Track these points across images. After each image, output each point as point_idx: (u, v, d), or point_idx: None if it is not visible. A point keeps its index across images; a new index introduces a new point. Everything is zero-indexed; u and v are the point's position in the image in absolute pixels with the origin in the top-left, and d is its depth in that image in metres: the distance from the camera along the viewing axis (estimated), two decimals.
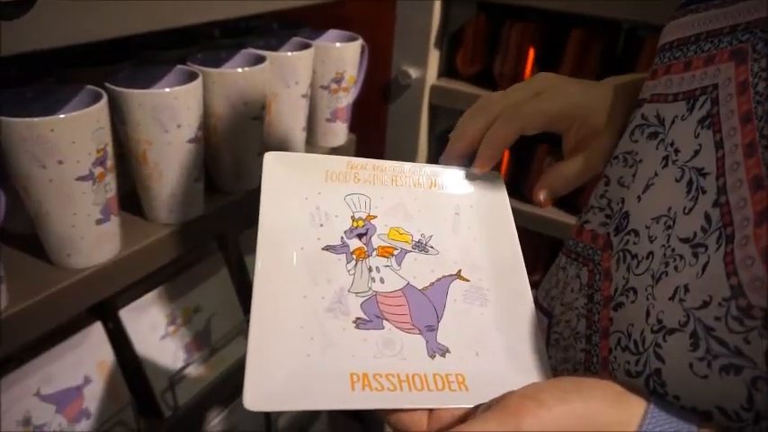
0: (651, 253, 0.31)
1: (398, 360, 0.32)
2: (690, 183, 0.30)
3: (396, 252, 0.36)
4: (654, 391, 0.29)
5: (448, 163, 0.41)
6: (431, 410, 0.30)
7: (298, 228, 0.36)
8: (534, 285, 1.16)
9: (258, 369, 0.29)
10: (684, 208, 0.29)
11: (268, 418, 0.94)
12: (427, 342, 0.33)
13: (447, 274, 0.36)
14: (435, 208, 0.39)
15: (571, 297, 0.38)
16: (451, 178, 0.40)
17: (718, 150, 0.28)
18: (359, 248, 0.36)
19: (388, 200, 0.39)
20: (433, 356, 0.33)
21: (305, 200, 0.37)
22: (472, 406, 0.30)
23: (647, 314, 0.30)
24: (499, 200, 0.40)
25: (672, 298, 0.29)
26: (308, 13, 0.74)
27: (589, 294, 0.36)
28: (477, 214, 0.39)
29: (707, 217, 0.28)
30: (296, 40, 0.71)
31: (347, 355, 0.32)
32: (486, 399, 0.29)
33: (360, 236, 0.37)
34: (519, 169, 0.94)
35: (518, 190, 0.94)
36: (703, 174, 0.29)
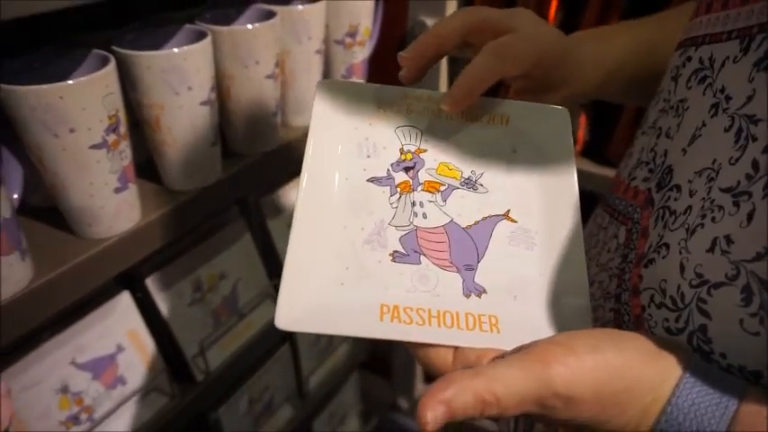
0: (689, 207, 0.29)
1: (431, 296, 0.31)
2: (739, 131, 0.27)
3: (442, 188, 0.35)
4: (698, 348, 0.27)
5: (408, 63, 0.37)
6: (457, 348, 0.29)
7: (344, 158, 0.35)
8: None
9: (291, 291, 0.29)
10: (731, 158, 0.27)
11: (299, 379, 0.95)
12: (464, 281, 0.32)
13: (494, 213, 0.35)
14: (491, 144, 0.37)
15: (606, 257, 0.36)
16: (512, 112, 0.37)
17: None
18: (404, 182, 0.35)
19: (441, 133, 0.37)
20: (468, 296, 0.32)
21: (354, 130, 0.36)
22: (501, 348, 0.29)
23: (682, 268, 0.28)
24: (562, 138, 0.36)
25: (710, 250, 0.26)
26: None
27: (624, 254, 0.34)
28: (535, 153, 0.37)
29: (754, 164, 0.25)
30: None
31: (380, 286, 0.31)
32: (517, 344, 0.28)
33: (407, 169, 0.35)
34: None
35: None
36: (755, 121, 0.26)
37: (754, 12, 0.28)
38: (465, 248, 0.33)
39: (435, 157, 0.36)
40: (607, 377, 0.25)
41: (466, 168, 0.36)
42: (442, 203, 0.35)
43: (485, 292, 0.32)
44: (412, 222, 0.34)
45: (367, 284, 0.32)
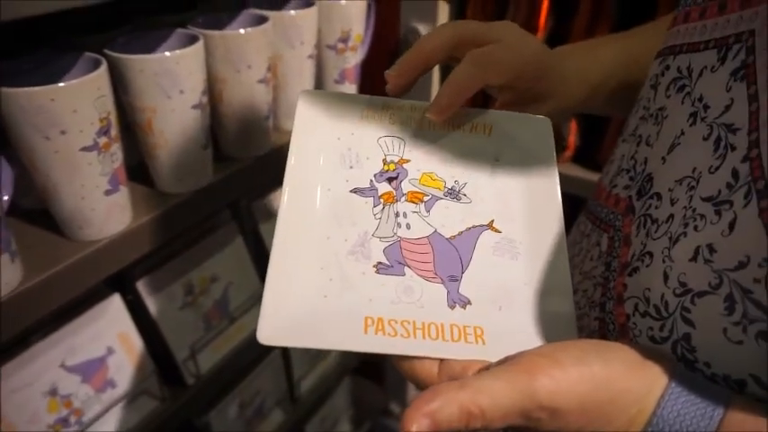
0: (671, 216, 0.29)
1: (416, 308, 0.31)
2: (718, 140, 0.27)
3: (426, 198, 0.35)
4: (682, 357, 0.27)
5: (395, 81, 0.37)
6: (442, 360, 0.29)
7: (327, 168, 0.35)
8: None
9: (274, 304, 0.29)
10: (710, 167, 0.27)
11: (291, 383, 0.95)
12: (448, 292, 0.32)
13: (478, 223, 0.35)
14: (473, 153, 0.37)
15: (590, 266, 0.36)
16: (495, 121, 0.37)
17: (752, 104, 0.25)
18: (388, 192, 0.35)
19: (424, 143, 0.37)
20: (452, 307, 0.32)
21: (337, 140, 0.36)
22: (487, 360, 0.29)
23: (666, 277, 0.28)
24: (544, 147, 0.37)
25: (693, 259, 0.27)
26: None
27: (607, 262, 0.34)
28: (518, 161, 0.37)
29: (734, 173, 0.25)
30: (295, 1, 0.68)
31: (364, 298, 0.31)
32: (502, 355, 0.28)
33: (390, 180, 0.36)
34: None
35: None
36: (733, 130, 0.26)
37: (730, 22, 0.28)
38: (449, 259, 0.33)
39: (419, 168, 0.36)
40: (593, 389, 0.25)
41: (449, 178, 0.36)
42: (426, 214, 0.35)
43: (470, 303, 0.32)
44: (396, 233, 0.34)
45: (351, 296, 0.31)
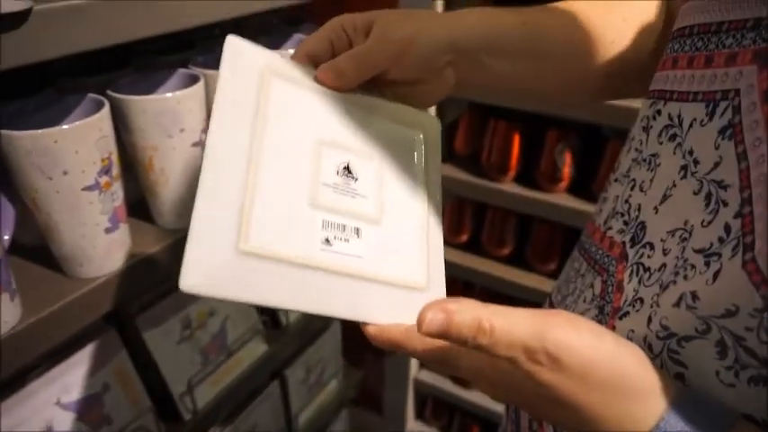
0: (664, 265, 0.30)
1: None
2: (708, 196, 0.28)
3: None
4: None
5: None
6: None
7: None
8: (548, 275, 1.15)
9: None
10: (703, 221, 0.28)
11: (288, 417, 0.94)
12: None
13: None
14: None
15: (583, 307, 0.37)
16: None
17: (741, 162, 0.26)
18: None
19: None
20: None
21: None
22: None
23: (649, 320, 0.29)
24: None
25: (677, 305, 0.27)
26: (309, 8, 0.73)
27: (600, 306, 0.35)
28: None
29: (726, 228, 0.26)
30: (298, 36, 0.70)
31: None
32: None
33: None
34: (529, 156, 0.93)
35: (529, 178, 0.93)
36: (724, 186, 0.27)
37: (717, 77, 0.29)
38: None
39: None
40: (598, 361, 0.26)
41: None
42: None
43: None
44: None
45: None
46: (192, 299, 0.74)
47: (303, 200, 0.32)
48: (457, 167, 0.98)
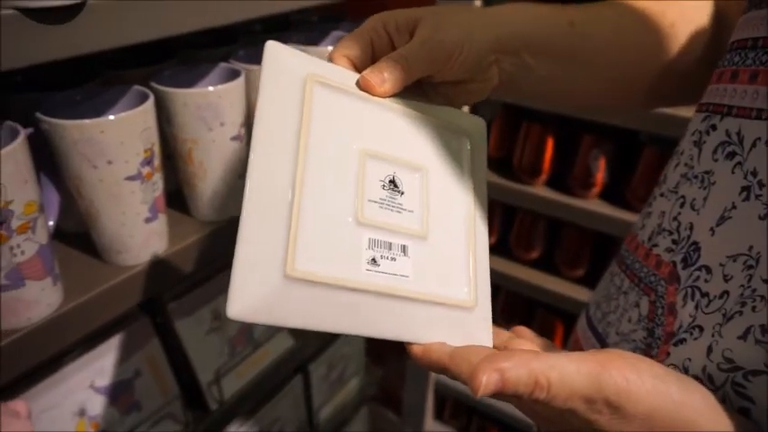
0: (726, 292, 0.28)
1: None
2: None
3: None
4: None
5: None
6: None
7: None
8: (576, 280, 1.13)
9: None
10: None
11: (310, 412, 0.94)
12: None
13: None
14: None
15: (628, 327, 0.35)
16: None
17: None
18: None
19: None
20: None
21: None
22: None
23: (709, 350, 0.28)
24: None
25: (743, 337, 0.26)
26: (349, 5, 0.73)
27: (650, 328, 0.33)
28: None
29: None
30: (336, 33, 0.70)
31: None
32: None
33: None
34: (563, 162, 0.92)
35: (563, 183, 0.92)
36: None
37: None
38: None
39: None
40: (664, 405, 0.24)
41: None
42: None
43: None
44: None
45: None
46: (223, 289, 0.75)
47: (349, 218, 0.31)
48: (488, 169, 0.98)
